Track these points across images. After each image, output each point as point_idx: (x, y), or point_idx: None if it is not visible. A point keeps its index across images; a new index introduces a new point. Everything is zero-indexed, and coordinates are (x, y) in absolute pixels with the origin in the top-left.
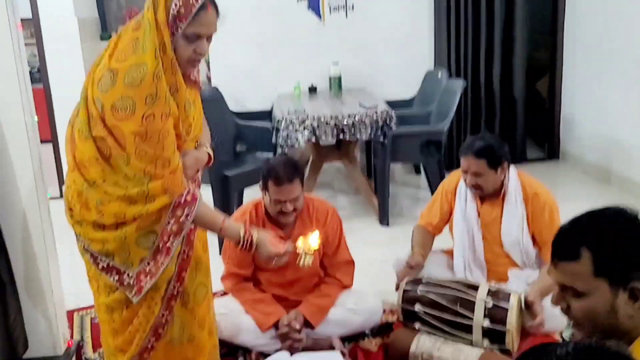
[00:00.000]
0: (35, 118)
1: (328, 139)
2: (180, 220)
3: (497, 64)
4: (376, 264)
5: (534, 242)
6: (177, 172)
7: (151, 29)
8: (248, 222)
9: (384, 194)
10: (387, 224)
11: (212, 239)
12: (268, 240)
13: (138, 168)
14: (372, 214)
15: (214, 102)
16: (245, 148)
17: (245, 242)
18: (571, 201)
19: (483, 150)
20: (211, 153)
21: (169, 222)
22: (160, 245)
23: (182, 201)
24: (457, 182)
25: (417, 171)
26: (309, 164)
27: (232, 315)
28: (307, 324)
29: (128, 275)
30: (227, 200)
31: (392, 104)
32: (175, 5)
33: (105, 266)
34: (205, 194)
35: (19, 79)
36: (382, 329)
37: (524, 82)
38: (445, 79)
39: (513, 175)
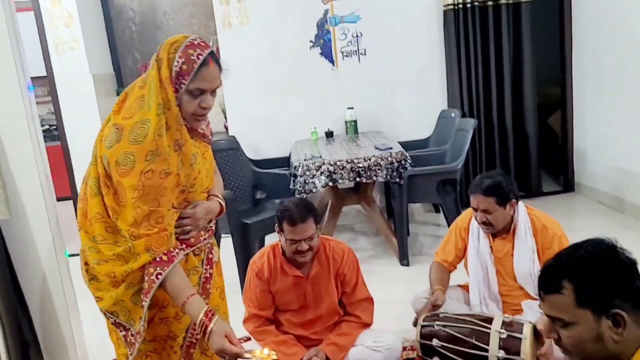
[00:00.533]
0: (50, 176)
1: (345, 183)
2: (151, 278)
3: (508, 103)
4: (397, 302)
5: None
6: (167, 230)
7: (155, 86)
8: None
9: (402, 234)
10: (407, 264)
11: (229, 287)
12: (223, 333)
13: (125, 228)
14: (392, 254)
15: (231, 151)
16: (264, 195)
17: (202, 326)
18: (587, 230)
19: (491, 188)
20: (223, 203)
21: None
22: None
23: (158, 259)
24: (469, 219)
25: (437, 210)
26: (328, 207)
27: None
28: None
29: (131, 333)
30: (247, 247)
31: (408, 145)
32: (178, 62)
33: (113, 322)
34: (226, 243)
35: (32, 139)
36: None
37: (535, 118)
38: (458, 118)
39: (522, 210)
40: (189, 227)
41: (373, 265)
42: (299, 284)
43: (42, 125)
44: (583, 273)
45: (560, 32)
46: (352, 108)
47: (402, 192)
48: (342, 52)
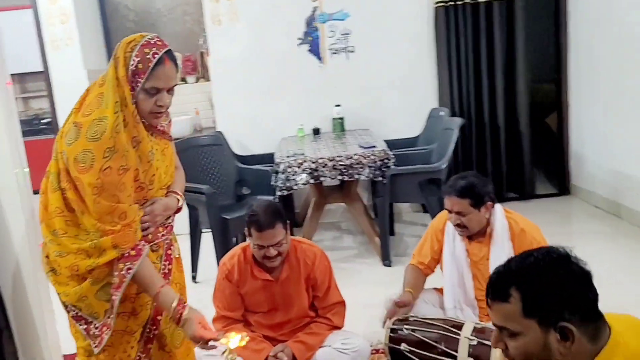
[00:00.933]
0: (27, 169)
1: (328, 180)
2: (121, 273)
3: (500, 102)
4: (375, 304)
5: None
6: (132, 226)
7: (113, 84)
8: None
9: (385, 234)
10: (389, 264)
11: (209, 282)
12: (197, 321)
13: (91, 223)
14: (375, 254)
15: (214, 146)
16: (249, 192)
17: (175, 314)
18: (582, 236)
19: (465, 189)
20: (181, 200)
21: (114, 275)
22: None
23: (126, 254)
24: (445, 221)
25: (426, 210)
26: (311, 205)
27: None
28: None
29: (94, 326)
30: (227, 243)
31: (396, 143)
32: (134, 61)
33: (74, 315)
34: (207, 238)
35: (9, 132)
36: None
37: (529, 118)
38: (447, 117)
39: (499, 213)
40: (147, 224)
41: (356, 265)
42: (269, 287)
43: (42, 119)
44: (531, 282)
45: (555, 30)
46: (340, 105)
47: (384, 191)
48: (331, 50)
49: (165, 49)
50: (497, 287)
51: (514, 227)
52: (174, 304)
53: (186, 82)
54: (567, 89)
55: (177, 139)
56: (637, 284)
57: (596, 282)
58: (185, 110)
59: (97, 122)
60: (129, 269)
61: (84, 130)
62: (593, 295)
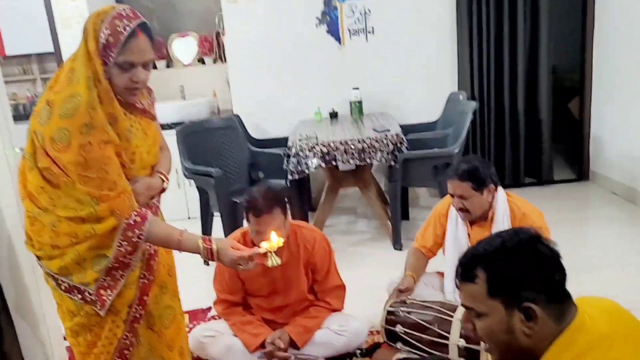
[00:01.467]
0: (17, 149)
1: (341, 165)
2: (133, 240)
3: (521, 87)
4: (382, 286)
5: None
6: (125, 194)
7: (83, 59)
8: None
9: (397, 218)
10: (400, 248)
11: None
12: (229, 246)
13: (83, 191)
14: (388, 238)
15: (227, 129)
16: (263, 175)
17: (206, 252)
18: (599, 221)
19: (467, 173)
20: (165, 180)
21: (121, 244)
22: (115, 265)
23: (132, 222)
24: (448, 205)
25: (442, 195)
26: (325, 189)
27: (221, 338)
28: (293, 344)
29: (89, 292)
30: (236, 227)
31: (414, 128)
32: (104, 34)
33: (67, 287)
34: (218, 221)
35: None
36: (372, 349)
37: (551, 103)
38: (464, 101)
39: (501, 197)
40: None
41: (368, 249)
42: (268, 272)
43: None
44: (496, 263)
45: (582, 15)
46: (358, 89)
47: (397, 175)
48: (350, 30)
49: (138, 21)
50: (465, 267)
51: (516, 211)
52: (201, 243)
53: (204, 63)
54: (590, 74)
55: (192, 121)
56: None
57: (610, 266)
58: (202, 92)
59: (70, 99)
60: (140, 234)
61: (57, 108)
62: (560, 276)
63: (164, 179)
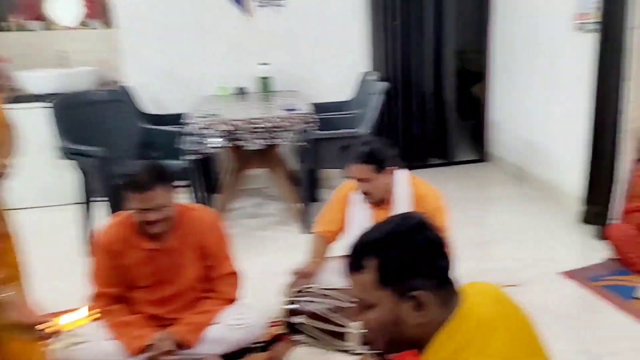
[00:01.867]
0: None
1: (248, 145)
2: None
3: (428, 69)
4: (285, 273)
5: None
6: None
7: None
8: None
9: (305, 201)
10: (309, 232)
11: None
12: (19, 305)
13: None
14: (296, 221)
15: (115, 103)
16: (157, 155)
17: None
18: (495, 199)
19: (366, 155)
20: (5, 162)
21: None
22: None
23: None
24: (349, 188)
25: None
26: (230, 170)
27: (96, 344)
28: (184, 344)
29: None
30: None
31: (327, 107)
32: None
33: None
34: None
35: None
36: (272, 343)
37: (456, 86)
38: (375, 81)
39: (403, 179)
40: None
41: (274, 233)
42: (154, 258)
43: None
44: (388, 250)
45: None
46: (266, 64)
47: (307, 156)
48: (258, 0)
49: None
50: (353, 257)
51: (417, 193)
52: None
53: (88, 27)
54: (490, 59)
55: (71, 93)
56: (533, 243)
57: (500, 242)
58: (86, 61)
59: None
60: None
61: None
62: (445, 262)
63: (4, 161)
